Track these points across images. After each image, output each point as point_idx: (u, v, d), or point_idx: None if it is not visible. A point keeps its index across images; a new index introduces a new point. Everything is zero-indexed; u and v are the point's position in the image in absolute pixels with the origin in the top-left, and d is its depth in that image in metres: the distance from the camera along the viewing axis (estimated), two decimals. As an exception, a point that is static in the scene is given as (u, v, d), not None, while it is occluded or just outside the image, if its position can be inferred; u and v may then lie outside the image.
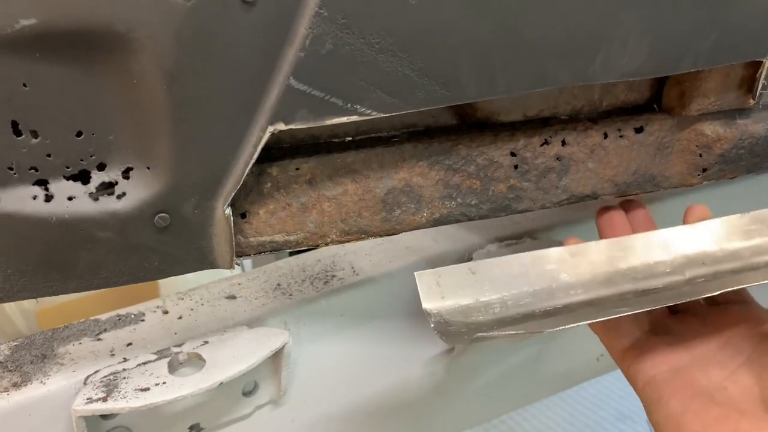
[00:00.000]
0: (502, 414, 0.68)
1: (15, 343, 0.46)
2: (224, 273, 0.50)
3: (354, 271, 0.56)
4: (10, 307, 1.39)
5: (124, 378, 0.43)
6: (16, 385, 0.42)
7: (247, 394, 0.49)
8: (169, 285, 1.56)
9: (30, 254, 0.35)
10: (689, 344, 0.41)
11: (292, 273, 0.55)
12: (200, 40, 0.32)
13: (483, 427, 0.95)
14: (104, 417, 0.44)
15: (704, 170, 0.49)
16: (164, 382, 0.42)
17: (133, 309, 0.50)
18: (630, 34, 0.38)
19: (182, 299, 0.52)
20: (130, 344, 0.46)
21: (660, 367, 0.40)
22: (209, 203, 0.36)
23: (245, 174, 0.35)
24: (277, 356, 0.47)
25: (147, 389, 0.41)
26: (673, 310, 0.47)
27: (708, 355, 0.40)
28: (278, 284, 0.54)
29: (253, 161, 0.35)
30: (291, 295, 0.52)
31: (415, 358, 0.60)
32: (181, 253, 0.37)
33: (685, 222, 0.47)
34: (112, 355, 0.45)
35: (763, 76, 0.45)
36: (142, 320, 0.49)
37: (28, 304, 1.42)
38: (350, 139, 0.43)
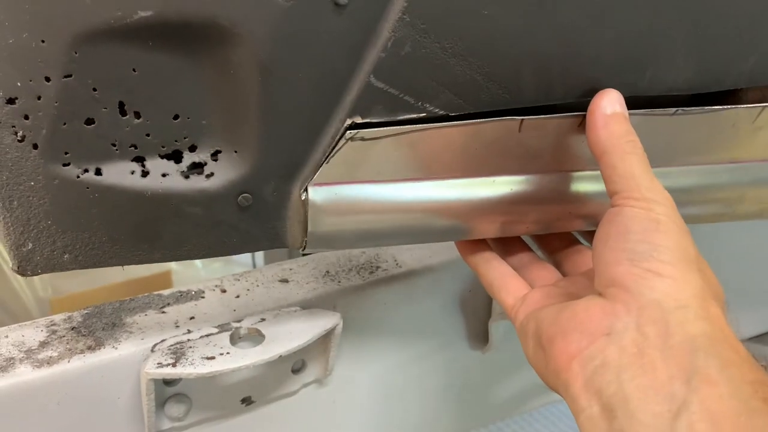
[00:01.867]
0: (530, 410, 0.71)
1: (86, 311, 0.50)
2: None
3: (397, 264, 0.59)
4: (25, 295, 1.43)
5: (190, 347, 0.46)
6: (90, 348, 0.46)
7: (296, 371, 0.53)
8: (182, 283, 1.60)
9: (124, 224, 0.38)
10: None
11: (339, 262, 0.59)
12: (294, 38, 0.35)
13: (505, 423, 0.98)
14: (167, 384, 0.47)
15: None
16: (228, 353, 0.45)
17: (193, 287, 0.54)
18: (678, 53, 0.42)
19: (238, 280, 0.55)
20: (192, 318, 0.50)
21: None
22: (287, 187, 0.40)
23: (323, 162, 0.39)
24: (327, 337, 0.50)
25: (213, 358, 0.45)
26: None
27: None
28: (327, 271, 0.57)
29: (330, 152, 0.39)
30: (339, 282, 0.55)
31: (448, 349, 0.63)
32: (258, 232, 0.41)
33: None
34: (177, 326, 0.48)
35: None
36: (203, 297, 0.52)
37: (42, 292, 1.46)
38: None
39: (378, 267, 0.58)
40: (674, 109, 0.44)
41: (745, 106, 0.45)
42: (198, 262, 1.64)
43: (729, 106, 0.45)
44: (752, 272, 0.79)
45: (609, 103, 0.39)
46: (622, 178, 0.38)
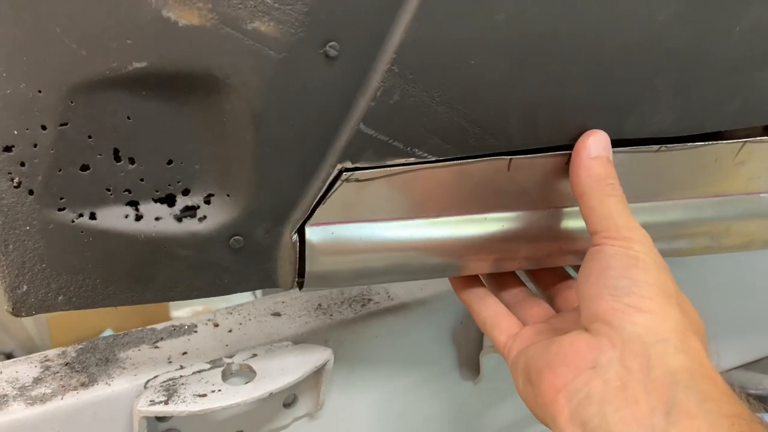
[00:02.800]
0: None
1: (80, 347, 0.50)
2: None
3: (389, 296, 0.60)
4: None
5: (182, 384, 0.46)
6: (84, 385, 0.46)
7: (287, 406, 0.53)
8: (179, 304, 1.60)
9: (117, 267, 0.39)
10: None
11: (331, 295, 0.59)
12: (286, 88, 0.36)
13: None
14: (160, 419, 0.48)
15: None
16: (220, 390, 0.46)
17: (186, 321, 0.54)
18: (661, 99, 0.43)
19: (231, 314, 0.56)
20: (185, 353, 0.50)
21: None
22: (278, 229, 0.40)
23: (319, 203, 0.39)
24: (318, 372, 0.51)
25: (204, 395, 0.45)
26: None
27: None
28: (319, 305, 0.57)
29: (321, 194, 0.39)
30: (331, 315, 0.56)
31: (440, 381, 0.63)
32: (249, 273, 0.41)
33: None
34: (170, 362, 0.49)
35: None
36: (195, 331, 0.53)
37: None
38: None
39: (370, 300, 0.59)
40: (657, 147, 0.45)
41: (725, 142, 0.46)
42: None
43: (710, 143, 0.46)
44: (741, 301, 0.80)
45: (593, 145, 0.41)
46: (601, 219, 0.39)
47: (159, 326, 0.53)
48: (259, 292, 1.36)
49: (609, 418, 0.33)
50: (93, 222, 0.38)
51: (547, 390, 0.37)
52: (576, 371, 0.36)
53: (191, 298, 0.41)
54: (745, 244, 0.52)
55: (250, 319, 0.55)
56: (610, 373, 0.35)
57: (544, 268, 0.49)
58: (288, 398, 0.53)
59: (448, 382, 0.63)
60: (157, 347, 0.51)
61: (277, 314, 0.56)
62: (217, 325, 0.54)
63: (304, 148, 0.38)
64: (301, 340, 0.53)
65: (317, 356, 0.50)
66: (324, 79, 0.36)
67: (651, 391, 0.33)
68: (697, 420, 0.31)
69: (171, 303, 1.55)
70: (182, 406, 0.44)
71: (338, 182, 0.39)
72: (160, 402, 0.44)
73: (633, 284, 0.36)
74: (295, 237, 0.41)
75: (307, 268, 0.41)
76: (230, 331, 0.53)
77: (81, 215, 0.37)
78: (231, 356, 0.50)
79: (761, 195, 0.50)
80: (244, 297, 1.32)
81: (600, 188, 0.39)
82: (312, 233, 0.40)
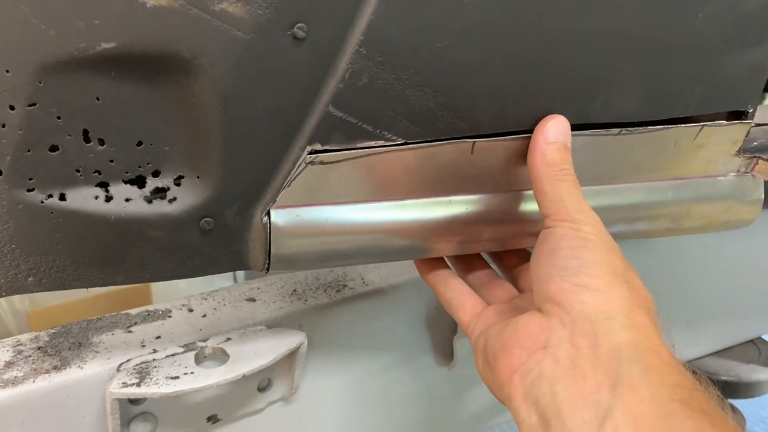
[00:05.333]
0: (496, 425, 0.72)
1: (53, 331, 0.50)
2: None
3: (364, 282, 0.60)
4: (2, 308, 1.42)
5: (155, 367, 0.47)
6: (56, 368, 0.46)
7: (262, 390, 0.53)
8: (160, 294, 1.59)
9: (88, 248, 0.39)
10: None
11: (306, 281, 0.60)
12: (254, 69, 0.36)
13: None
14: (133, 402, 0.48)
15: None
16: (192, 372, 0.46)
17: (161, 306, 0.55)
18: (627, 84, 0.43)
19: (206, 299, 0.56)
20: (158, 337, 0.50)
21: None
22: (249, 211, 0.41)
23: (283, 187, 0.40)
24: (293, 355, 0.51)
25: (177, 377, 0.46)
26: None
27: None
28: (294, 290, 0.58)
29: (291, 176, 0.40)
30: (306, 300, 0.56)
31: (414, 366, 0.64)
32: (220, 255, 0.42)
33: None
34: (143, 346, 0.49)
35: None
36: (169, 316, 0.53)
37: (20, 305, 1.45)
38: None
39: (345, 285, 0.59)
40: (618, 130, 0.46)
41: (684, 125, 0.47)
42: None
43: (670, 126, 0.47)
44: (713, 290, 0.81)
45: (551, 130, 0.41)
46: (552, 202, 0.40)
47: (133, 311, 0.53)
48: (240, 275, 1.35)
49: (558, 396, 0.34)
50: (63, 203, 0.38)
51: (503, 371, 0.38)
52: (529, 352, 0.37)
53: (163, 280, 0.42)
54: (705, 225, 0.53)
55: (224, 305, 0.55)
56: (560, 352, 0.36)
57: (508, 250, 0.50)
58: (262, 382, 0.53)
59: (422, 367, 0.64)
60: (130, 332, 0.51)
61: (251, 300, 0.56)
62: (191, 311, 0.54)
63: (274, 129, 0.38)
64: (275, 324, 0.53)
65: (291, 340, 0.50)
66: (292, 60, 0.36)
67: (597, 368, 0.34)
68: (639, 391, 0.32)
69: (153, 293, 1.54)
70: (154, 388, 0.44)
71: (302, 165, 0.39)
72: (133, 384, 0.45)
73: (581, 264, 0.37)
74: (266, 219, 0.41)
75: (273, 250, 0.41)
76: (204, 316, 0.54)
77: (50, 196, 0.37)
78: (205, 340, 0.50)
79: (719, 178, 0.51)
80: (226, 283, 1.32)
81: (553, 173, 0.41)
82: (277, 216, 0.41)
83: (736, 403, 0.88)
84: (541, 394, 0.35)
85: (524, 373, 0.37)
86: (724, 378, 0.83)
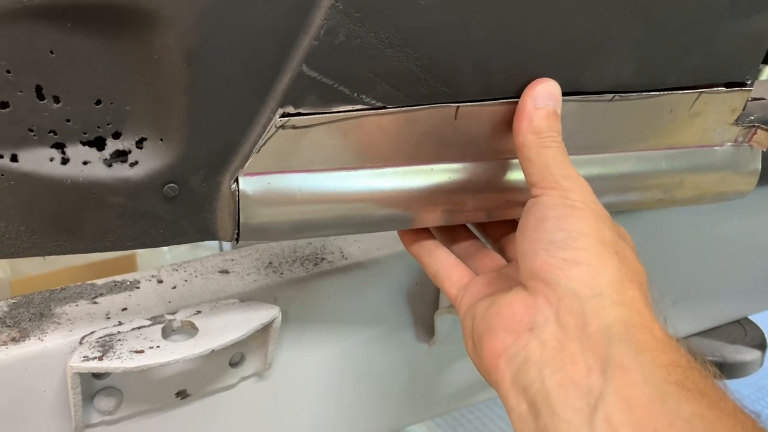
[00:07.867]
0: (479, 402, 0.71)
1: (13, 301, 0.48)
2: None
3: (343, 256, 0.58)
4: (-16, 278, 1.39)
5: (119, 340, 0.44)
6: (14, 340, 0.44)
7: (234, 365, 0.51)
8: (147, 264, 1.57)
9: (43, 213, 0.37)
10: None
11: (283, 253, 0.57)
12: (221, 23, 0.34)
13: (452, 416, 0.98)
14: (96, 377, 0.46)
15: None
16: (158, 346, 0.44)
17: (129, 276, 0.52)
18: (620, 51, 0.41)
19: (176, 270, 0.54)
20: (125, 309, 0.48)
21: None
22: (216, 178, 0.38)
23: (252, 152, 0.37)
24: (266, 330, 0.49)
25: (141, 351, 0.43)
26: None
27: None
28: (270, 262, 0.56)
29: (261, 141, 0.37)
30: (282, 273, 0.54)
31: (394, 342, 0.62)
32: (185, 223, 0.39)
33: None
34: (108, 318, 0.47)
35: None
36: (137, 287, 0.51)
37: (3, 274, 1.42)
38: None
39: (323, 259, 0.57)
40: (611, 95, 0.43)
41: (681, 92, 0.45)
42: (164, 245, 1.61)
43: (666, 92, 0.44)
44: (699, 268, 0.80)
45: (540, 94, 0.39)
46: (538, 170, 0.38)
47: (99, 281, 0.51)
48: (227, 245, 1.32)
49: (547, 382, 0.32)
50: (14, 164, 0.35)
51: (488, 355, 0.36)
52: (514, 334, 0.35)
53: (124, 249, 0.39)
54: (698, 197, 0.51)
55: (196, 276, 0.53)
56: (546, 333, 0.34)
57: (495, 221, 0.48)
58: (235, 357, 0.51)
59: (402, 343, 0.62)
60: (95, 303, 0.49)
61: (225, 272, 0.54)
62: (161, 282, 0.52)
63: (242, 89, 0.36)
64: (248, 298, 0.51)
65: (264, 314, 0.48)
66: (262, 13, 0.34)
67: (587, 350, 0.32)
68: (631, 373, 0.31)
69: (139, 264, 1.51)
70: (117, 362, 0.42)
71: (273, 129, 0.37)
72: (95, 358, 0.43)
73: (568, 236, 0.35)
74: (234, 186, 0.38)
75: (242, 220, 0.39)
76: (174, 287, 0.51)
77: (1, 156, 0.35)
78: (173, 313, 0.48)
79: (715, 148, 0.49)
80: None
81: (539, 141, 0.38)
82: (246, 183, 0.38)
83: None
84: (529, 381, 0.33)
85: (510, 358, 0.35)
86: (709, 358, 0.82)
